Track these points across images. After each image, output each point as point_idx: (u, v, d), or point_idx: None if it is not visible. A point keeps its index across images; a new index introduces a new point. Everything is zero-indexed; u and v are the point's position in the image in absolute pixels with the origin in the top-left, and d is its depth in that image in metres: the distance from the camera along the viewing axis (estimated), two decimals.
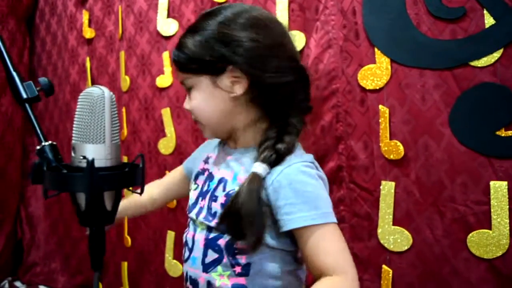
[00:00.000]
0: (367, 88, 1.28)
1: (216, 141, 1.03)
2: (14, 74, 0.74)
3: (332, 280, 0.78)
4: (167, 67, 1.79)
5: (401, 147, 1.22)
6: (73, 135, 0.64)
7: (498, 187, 1.10)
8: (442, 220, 1.18)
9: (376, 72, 1.26)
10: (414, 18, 1.21)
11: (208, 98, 0.88)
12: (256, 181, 0.81)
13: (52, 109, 2.49)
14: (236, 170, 0.91)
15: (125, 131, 1.96)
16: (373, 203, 1.28)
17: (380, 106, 1.25)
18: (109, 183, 0.63)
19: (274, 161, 0.83)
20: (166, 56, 1.78)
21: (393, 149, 1.24)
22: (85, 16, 2.23)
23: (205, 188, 0.95)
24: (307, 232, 0.81)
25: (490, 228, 1.11)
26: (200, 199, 0.95)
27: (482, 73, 1.12)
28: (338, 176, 1.35)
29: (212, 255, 0.88)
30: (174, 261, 1.79)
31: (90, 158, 0.60)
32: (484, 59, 1.12)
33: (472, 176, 1.14)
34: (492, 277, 1.12)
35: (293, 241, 0.86)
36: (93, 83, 2.23)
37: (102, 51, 2.18)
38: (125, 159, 1.94)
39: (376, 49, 1.26)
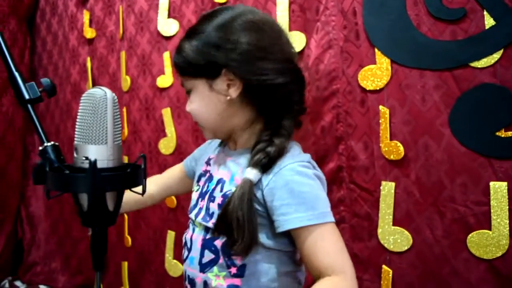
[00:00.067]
0: (368, 88, 1.28)
1: (217, 141, 1.05)
2: (17, 74, 0.75)
3: (331, 280, 0.78)
4: (168, 67, 1.79)
5: (401, 148, 1.23)
6: (75, 136, 0.64)
7: (498, 187, 1.11)
8: (442, 220, 1.18)
9: (376, 73, 1.26)
10: (414, 19, 1.21)
11: (206, 101, 0.89)
12: (248, 187, 0.82)
13: (53, 109, 2.50)
14: (233, 171, 0.92)
15: (125, 131, 1.96)
16: (373, 204, 1.29)
17: (381, 107, 1.26)
18: (111, 184, 0.63)
19: (265, 164, 0.84)
20: (166, 56, 1.79)
21: (393, 149, 1.24)
22: (86, 16, 2.24)
23: (205, 189, 0.96)
24: (305, 232, 0.82)
25: (490, 229, 1.12)
26: (200, 200, 0.96)
27: (482, 74, 1.12)
28: (338, 177, 1.35)
29: (208, 256, 0.89)
30: (174, 261, 1.80)
31: (92, 159, 0.61)
32: (484, 60, 1.12)
33: (472, 177, 1.14)
34: (492, 278, 1.12)
35: (290, 241, 0.87)
36: (94, 83, 2.23)
37: (103, 51, 2.18)
38: (125, 159, 1.94)
39: (376, 50, 1.27)
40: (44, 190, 0.64)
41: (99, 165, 0.61)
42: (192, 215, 0.97)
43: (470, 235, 1.14)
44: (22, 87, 0.74)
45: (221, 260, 0.87)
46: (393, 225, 1.25)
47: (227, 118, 0.90)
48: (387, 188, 1.25)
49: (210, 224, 0.89)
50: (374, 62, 1.27)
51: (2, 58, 0.76)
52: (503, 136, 1.10)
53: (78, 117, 0.64)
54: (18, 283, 2.54)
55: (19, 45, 2.51)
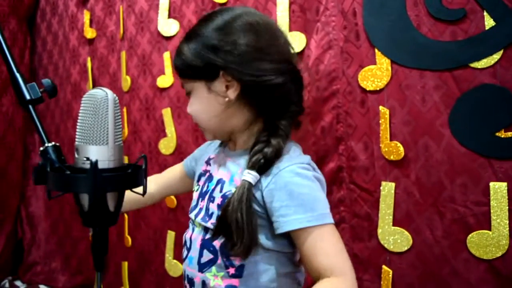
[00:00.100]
0: (368, 89, 1.28)
1: (218, 142, 1.05)
2: (18, 75, 0.75)
3: (330, 282, 0.79)
4: (168, 68, 1.79)
5: (401, 148, 1.23)
6: (77, 136, 0.65)
7: (497, 188, 1.11)
8: (442, 220, 1.18)
9: (376, 73, 1.27)
10: (414, 20, 1.21)
11: (205, 103, 0.90)
12: (246, 189, 0.83)
13: (53, 109, 2.50)
14: (233, 172, 0.92)
15: (126, 131, 1.97)
16: (373, 204, 1.29)
17: (381, 107, 1.26)
18: (112, 184, 0.64)
19: (263, 166, 0.84)
20: (167, 57, 1.79)
21: (393, 150, 1.24)
22: (86, 16, 2.24)
23: (205, 189, 0.97)
24: (304, 233, 0.82)
25: (489, 229, 1.12)
26: (200, 200, 0.97)
27: (482, 74, 1.13)
28: (338, 177, 1.35)
29: (207, 256, 0.89)
30: (174, 261, 1.80)
31: (93, 159, 0.61)
32: (484, 60, 1.12)
33: (472, 177, 1.14)
34: (491, 278, 1.12)
35: (290, 243, 0.87)
36: (94, 83, 2.23)
37: (103, 51, 2.18)
38: (125, 159, 1.94)
39: (376, 50, 1.27)
40: (46, 190, 0.64)
41: (100, 165, 0.61)
42: (192, 215, 0.97)
43: (470, 235, 1.14)
44: (23, 88, 0.75)
45: (219, 261, 0.87)
46: (393, 225, 1.25)
47: (226, 119, 0.91)
48: (387, 189, 1.25)
49: (209, 224, 0.89)
50: (374, 63, 1.27)
51: (3, 59, 0.76)
52: (503, 136, 1.11)
53: (79, 117, 0.64)
54: (18, 283, 2.54)
55: (19, 45, 2.52)
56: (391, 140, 1.25)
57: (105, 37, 2.17)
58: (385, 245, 1.26)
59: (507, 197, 1.10)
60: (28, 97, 0.75)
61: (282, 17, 1.44)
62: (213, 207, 0.91)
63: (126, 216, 2.00)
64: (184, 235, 1.00)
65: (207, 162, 1.04)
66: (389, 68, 1.25)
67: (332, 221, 0.84)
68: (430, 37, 1.19)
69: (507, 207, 1.10)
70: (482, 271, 1.13)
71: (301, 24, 1.42)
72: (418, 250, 1.22)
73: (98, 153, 0.63)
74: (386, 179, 1.26)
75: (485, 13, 1.12)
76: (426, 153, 1.20)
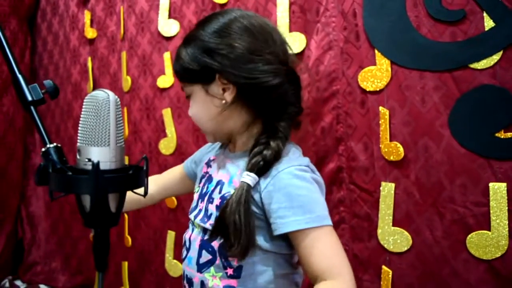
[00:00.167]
0: (368, 89, 1.29)
1: (218, 144, 1.06)
2: (20, 76, 0.75)
3: (328, 285, 0.78)
4: (168, 68, 1.79)
5: (401, 149, 1.23)
6: (78, 138, 0.65)
7: (497, 188, 1.11)
8: (441, 221, 1.19)
9: (376, 74, 1.27)
10: (414, 20, 1.21)
11: (203, 106, 0.92)
12: (245, 191, 0.83)
13: (54, 109, 2.50)
14: (232, 173, 0.93)
15: (126, 131, 1.97)
16: (373, 204, 1.29)
17: (380, 108, 1.26)
18: (113, 186, 0.64)
19: (262, 168, 0.85)
20: (167, 57, 1.79)
21: (393, 150, 1.24)
22: (87, 16, 2.24)
23: (204, 190, 0.98)
24: (302, 235, 0.82)
25: (489, 229, 1.12)
26: (200, 201, 0.97)
27: (481, 75, 1.13)
28: (338, 177, 1.36)
29: (206, 256, 0.90)
30: (175, 261, 1.80)
31: (95, 160, 0.61)
32: (484, 61, 1.12)
33: (471, 178, 1.15)
34: (491, 278, 1.13)
35: (288, 244, 0.87)
36: (95, 83, 2.24)
37: (104, 51, 2.19)
38: (126, 159, 1.95)
39: (376, 51, 1.27)
40: (48, 191, 0.64)
41: (102, 166, 0.62)
42: (191, 216, 0.98)
43: (469, 235, 1.15)
44: (25, 89, 0.75)
45: (217, 261, 0.88)
46: (393, 225, 1.25)
47: (224, 121, 0.91)
48: (387, 189, 1.26)
49: (208, 225, 0.90)
50: (374, 63, 1.27)
51: (5, 60, 0.77)
52: (502, 137, 1.11)
53: (81, 119, 0.64)
54: (18, 282, 2.55)
55: (20, 45, 2.52)
56: (391, 140, 1.25)
57: (105, 37, 2.18)
58: (385, 246, 1.26)
59: (506, 197, 1.10)
60: (30, 98, 0.75)
61: (282, 18, 1.44)
62: (212, 208, 0.91)
63: (126, 216, 2.00)
64: (183, 235, 1.00)
65: (208, 164, 1.04)
66: (389, 68, 1.25)
67: (330, 223, 0.84)
68: (430, 38, 1.19)
69: (507, 208, 1.10)
70: (482, 271, 1.14)
71: (301, 24, 1.42)
72: (418, 250, 1.22)
73: (100, 154, 0.63)
74: (386, 179, 1.27)
75: (484, 14, 1.12)
76: (425, 153, 1.20)
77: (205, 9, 1.67)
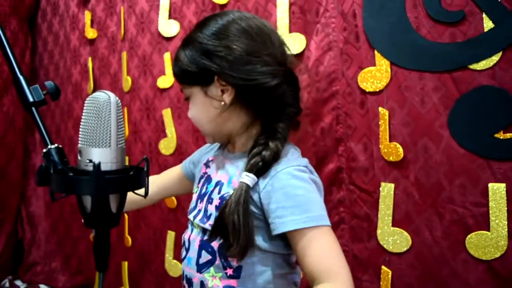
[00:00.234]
0: (367, 90, 1.29)
1: (217, 144, 1.06)
2: (21, 78, 0.76)
3: (327, 287, 0.78)
4: (168, 68, 1.80)
5: (401, 149, 1.23)
6: (80, 139, 0.65)
7: (496, 189, 1.11)
8: (441, 221, 1.19)
9: (376, 75, 1.27)
10: (413, 21, 1.22)
11: (202, 107, 0.92)
12: (244, 191, 0.83)
13: (54, 109, 2.50)
14: (231, 174, 0.93)
15: (126, 131, 1.97)
16: (372, 205, 1.29)
17: (380, 108, 1.26)
18: (114, 186, 0.64)
19: (261, 168, 0.85)
20: (167, 57, 1.79)
21: (392, 151, 1.25)
22: (87, 17, 2.24)
23: (203, 190, 0.98)
24: (299, 235, 0.82)
25: (488, 230, 1.12)
26: (199, 201, 0.98)
27: (481, 76, 1.13)
28: (338, 178, 1.36)
29: (205, 257, 0.90)
30: (174, 261, 1.80)
31: (96, 161, 0.61)
32: (483, 62, 1.13)
33: (470, 178, 1.15)
34: (490, 278, 1.13)
35: (286, 244, 0.87)
36: (95, 83, 2.24)
37: (104, 51, 2.19)
38: (126, 159, 1.95)
39: (376, 52, 1.27)
40: (49, 192, 0.65)
41: (103, 167, 0.62)
42: (191, 216, 0.98)
43: (469, 236, 1.15)
44: (27, 90, 0.75)
45: (217, 261, 0.88)
46: (393, 226, 1.26)
47: (223, 122, 0.92)
48: (387, 189, 1.26)
49: (207, 225, 0.90)
50: (374, 64, 1.28)
51: (6, 61, 0.77)
52: (501, 137, 1.11)
53: (82, 120, 0.65)
54: (18, 282, 2.55)
55: (20, 45, 2.52)
56: (390, 141, 1.26)
57: (106, 37, 2.18)
58: (385, 246, 1.27)
59: (505, 198, 1.10)
60: (31, 99, 0.75)
61: (282, 19, 1.44)
62: (211, 209, 0.92)
63: (126, 216, 2.01)
64: (183, 235, 1.01)
65: (206, 165, 1.05)
66: (389, 69, 1.25)
67: (328, 223, 0.84)
68: (429, 39, 1.19)
69: (506, 208, 1.10)
70: (481, 271, 1.14)
71: (301, 25, 1.42)
72: (417, 250, 1.23)
73: (101, 155, 0.63)
74: (385, 180, 1.27)
75: (484, 15, 1.13)
76: (425, 154, 1.21)
77: (205, 10, 1.67)
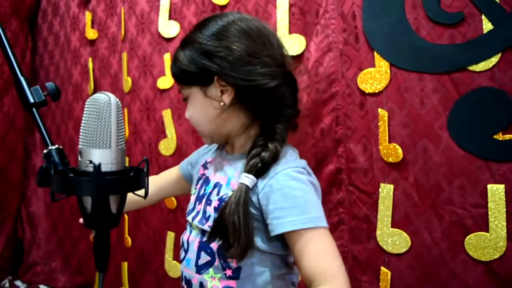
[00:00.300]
0: (367, 91, 1.29)
1: (214, 146, 1.06)
2: (22, 79, 0.76)
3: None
4: (168, 69, 1.80)
5: (400, 150, 1.24)
6: (80, 140, 0.66)
7: (495, 190, 1.12)
8: (440, 222, 1.19)
9: (375, 76, 1.28)
10: (413, 23, 1.22)
11: (201, 108, 0.92)
12: (243, 192, 0.84)
13: (54, 110, 2.51)
14: (230, 175, 0.93)
15: (126, 132, 1.97)
16: (372, 206, 1.30)
17: (379, 110, 1.27)
18: (114, 187, 0.65)
19: (260, 169, 0.85)
20: (167, 58, 1.80)
21: (392, 152, 1.25)
22: (88, 17, 2.25)
23: (202, 192, 0.98)
24: (297, 236, 0.82)
25: (487, 231, 1.13)
26: (197, 203, 0.98)
27: (480, 77, 1.13)
28: (337, 179, 1.36)
29: (204, 258, 0.90)
30: (174, 261, 1.81)
31: (96, 162, 0.62)
32: (482, 63, 1.13)
33: (470, 179, 1.15)
34: (489, 280, 1.13)
35: (284, 245, 0.88)
36: (96, 84, 2.24)
37: (105, 52, 2.19)
38: (126, 160, 1.95)
39: (375, 53, 1.28)
40: (50, 192, 0.65)
41: (103, 168, 0.62)
42: (189, 218, 0.98)
43: (468, 237, 1.15)
44: (27, 91, 0.76)
45: (216, 262, 0.89)
46: (392, 227, 1.26)
47: (222, 123, 0.92)
48: (386, 190, 1.26)
49: (206, 227, 0.91)
50: (373, 65, 1.28)
51: (7, 63, 0.77)
52: (500, 139, 1.11)
53: (82, 121, 0.65)
54: (18, 282, 2.55)
55: (21, 46, 2.53)
56: (389, 142, 1.26)
57: (106, 38, 2.19)
58: (384, 247, 1.27)
59: (504, 199, 1.10)
60: (32, 100, 0.76)
61: (282, 20, 1.45)
62: (210, 210, 0.92)
63: (126, 216, 2.01)
64: (181, 237, 1.01)
65: (204, 166, 1.05)
66: (388, 70, 1.26)
67: (326, 224, 0.84)
68: (428, 40, 1.20)
69: (505, 209, 1.10)
70: (480, 272, 1.14)
71: (301, 26, 1.43)
72: (417, 251, 1.23)
73: (101, 156, 0.64)
74: (384, 181, 1.27)
75: (483, 17, 1.13)
76: (424, 155, 1.21)
77: (205, 11, 1.67)
